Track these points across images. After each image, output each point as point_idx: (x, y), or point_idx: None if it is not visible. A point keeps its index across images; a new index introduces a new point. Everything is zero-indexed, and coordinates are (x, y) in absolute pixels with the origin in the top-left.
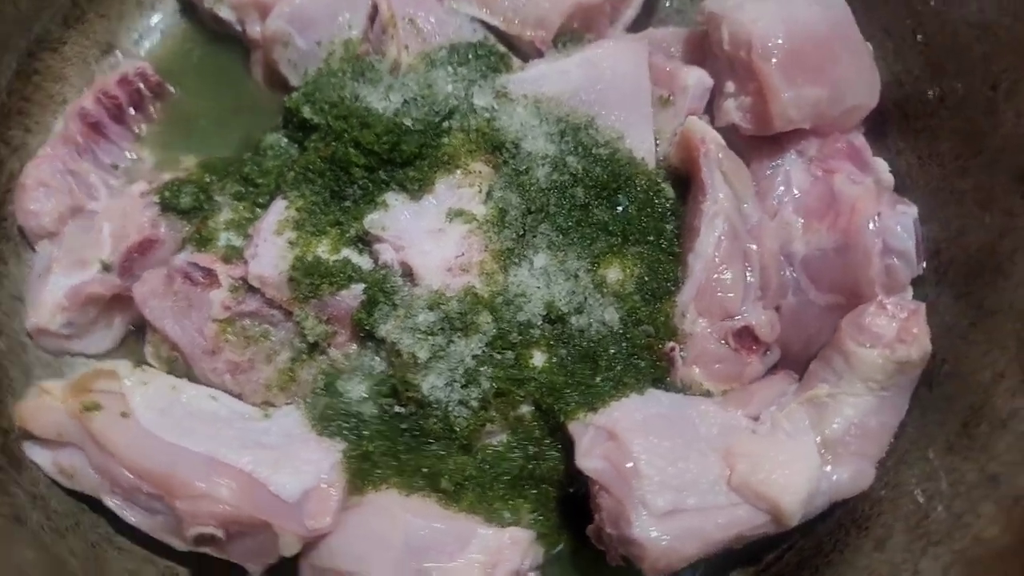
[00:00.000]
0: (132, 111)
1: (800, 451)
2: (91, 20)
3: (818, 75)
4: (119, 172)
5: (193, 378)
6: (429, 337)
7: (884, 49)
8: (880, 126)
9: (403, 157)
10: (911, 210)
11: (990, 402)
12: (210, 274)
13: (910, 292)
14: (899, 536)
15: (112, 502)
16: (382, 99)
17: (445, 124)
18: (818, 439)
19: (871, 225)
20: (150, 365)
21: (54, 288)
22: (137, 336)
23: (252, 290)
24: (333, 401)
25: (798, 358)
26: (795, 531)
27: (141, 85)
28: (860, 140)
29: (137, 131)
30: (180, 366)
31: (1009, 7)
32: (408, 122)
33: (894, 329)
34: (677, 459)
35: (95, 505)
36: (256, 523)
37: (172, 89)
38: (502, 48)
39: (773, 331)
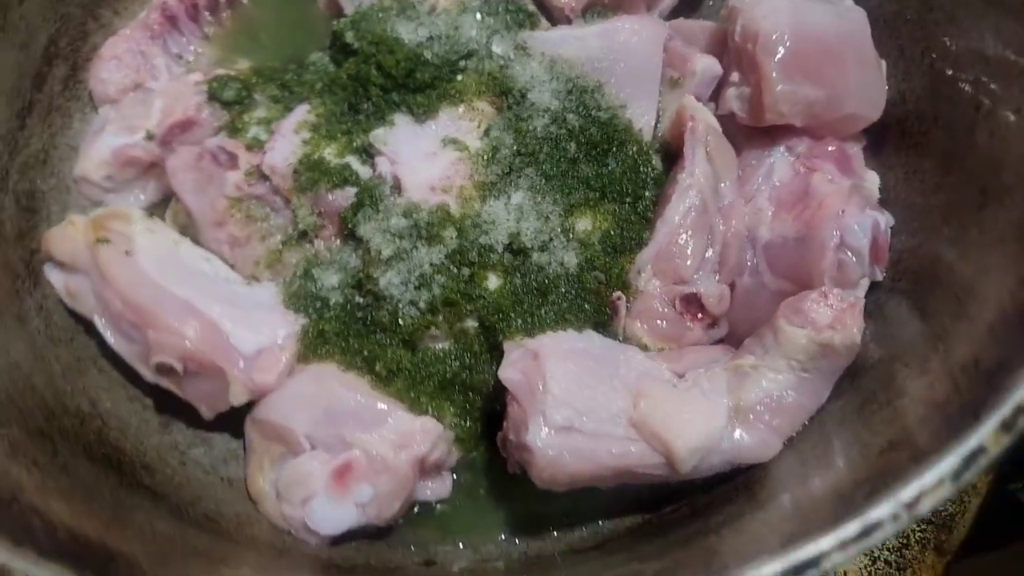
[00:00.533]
0: (206, 14)
1: (708, 407)
2: None
3: (818, 77)
4: (182, 62)
5: (198, 244)
6: (396, 239)
7: (896, 68)
8: (880, 141)
9: (415, 84)
10: (882, 217)
11: (887, 387)
12: (232, 158)
13: (861, 291)
14: (776, 507)
15: (101, 325)
16: (411, 33)
17: (461, 63)
18: (731, 403)
19: (834, 220)
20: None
21: (103, 145)
22: (164, 204)
23: (263, 177)
24: (307, 284)
25: (743, 339)
26: (696, 488)
27: None
28: (854, 150)
29: (206, 31)
30: (190, 233)
31: (1005, 38)
32: (427, 55)
33: (828, 316)
34: (587, 387)
35: (89, 330)
36: (211, 366)
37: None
38: (532, 7)
39: (721, 304)
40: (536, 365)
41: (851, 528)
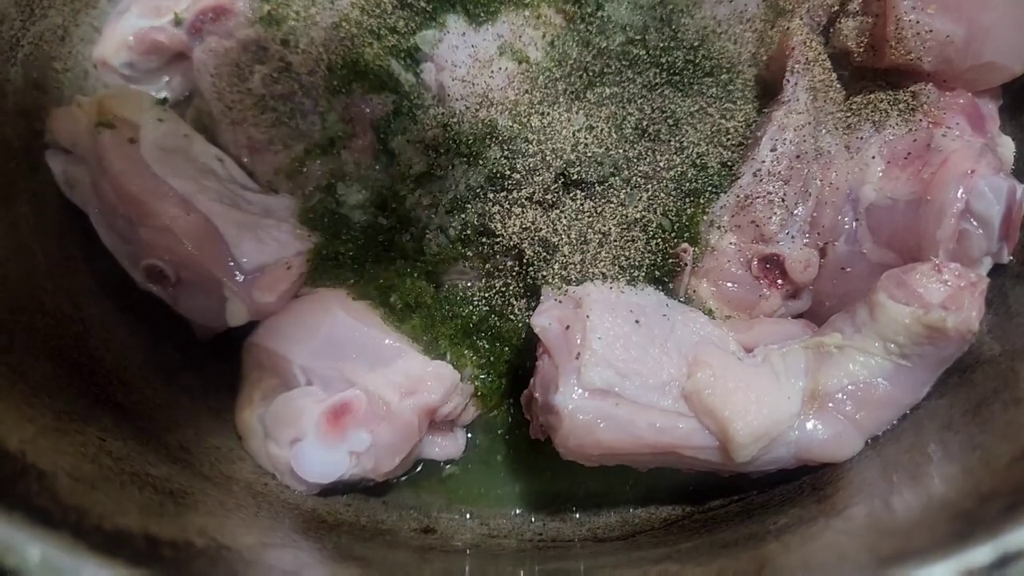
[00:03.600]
0: None
1: (779, 389)
2: None
3: (956, 11)
4: None
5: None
6: (431, 153)
7: None
8: (1020, 101)
9: None
10: (1020, 187)
11: (994, 404)
12: (263, 51)
13: (984, 271)
14: (857, 516)
15: (95, 218)
16: None
17: None
18: (807, 387)
19: (960, 180)
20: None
21: (126, 26)
22: (189, 103)
23: (294, 74)
24: (328, 200)
25: (828, 316)
26: (751, 484)
27: None
28: (989, 107)
29: None
30: (209, 135)
31: None
32: None
33: (941, 293)
34: (634, 346)
35: (88, 229)
36: (207, 275)
37: None
38: None
39: (806, 272)
40: (577, 315)
41: (981, 554)
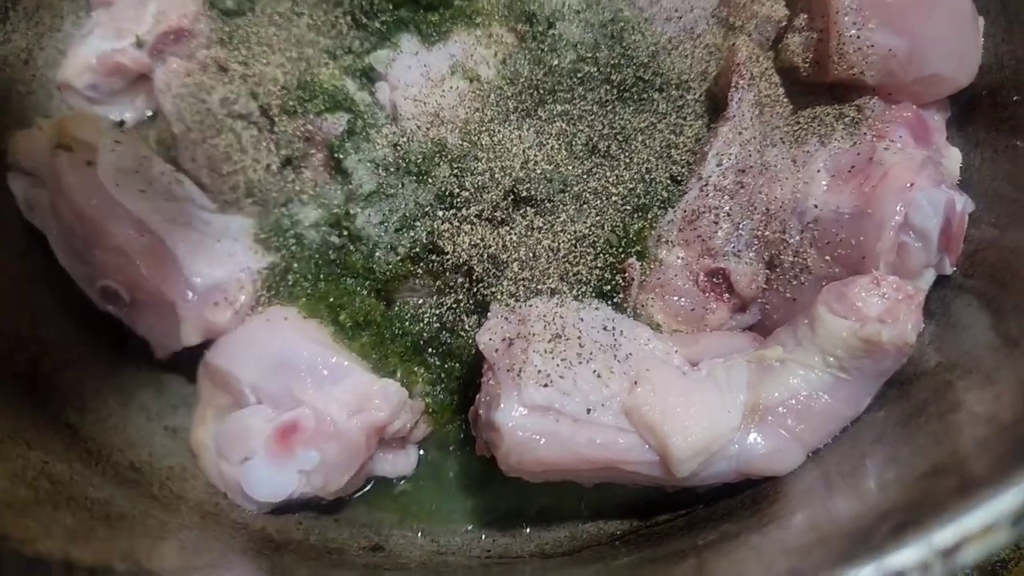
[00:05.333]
0: None
1: (720, 403)
2: None
3: (898, 24)
4: None
5: (177, 166)
6: (380, 172)
7: (996, 26)
8: (968, 112)
9: (427, 0)
10: (960, 198)
11: (939, 398)
12: (223, 72)
13: (924, 284)
14: (794, 527)
15: (52, 240)
16: None
17: None
18: (749, 400)
19: (899, 193)
20: (150, 148)
21: (89, 48)
22: (153, 123)
23: (253, 96)
24: (284, 218)
25: (776, 328)
26: (698, 498)
27: None
28: (935, 119)
29: None
30: (173, 154)
31: None
32: None
33: (879, 307)
34: (578, 362)
35: (45, 245)
36: (160, 298)
37: None
38: None
39: (753, 286)
40: (521, 332)
41: (865, 573)
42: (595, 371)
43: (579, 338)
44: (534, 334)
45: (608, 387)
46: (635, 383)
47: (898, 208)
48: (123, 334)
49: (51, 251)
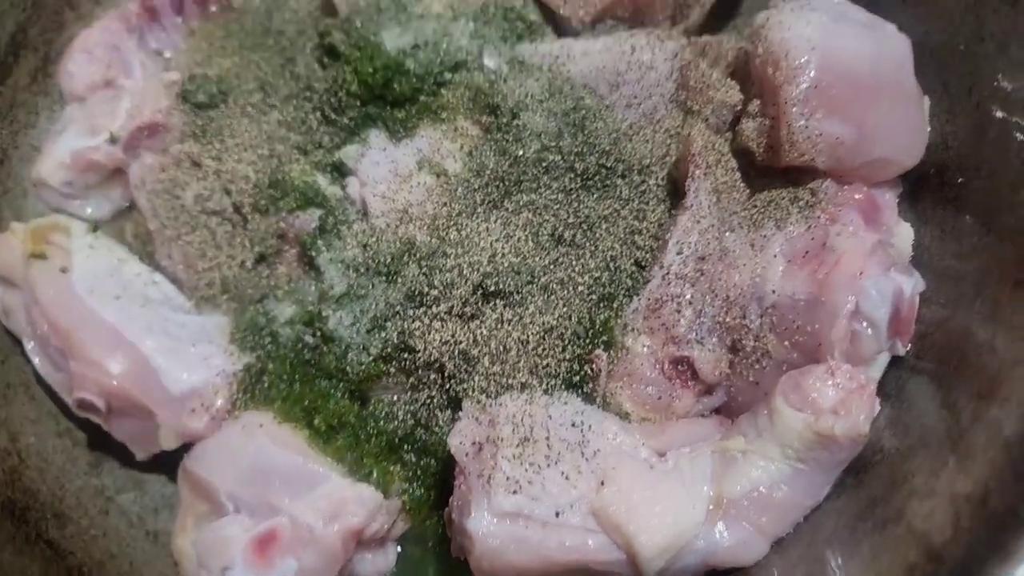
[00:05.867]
0: (193, 7)
1: (684, 498)
2: None
3: (844, 113)
4: (160, 59)
5: (153, 263)
6: (351, 272)
7: (939, 106)
8: (918, 189)
9: (394, 96)
10: (908, 281)
11: (888, 500)
12: (196, 167)
13: (878, 370)
14: None
15: (29, 348)
16: (394, 39)
17: (447, 75)
18: (713, 493)
19: (850, 282)
20: (126, 243)
21: (63, 146)
22: (130, 213)
23: (226, 192)
24: (260, 315)
25: (742, 410)
26: None
27: None
28: (886, 199)
29: (191, 25)
30: (149, 248)
31: None
32: (410, 64)
33: (832, 398)
34: (546, 464)
35: (22, 350)
36: (138, 406)
37: None
38: (534, 17)
39: (716, 371)
40: (491, 435)
41: None
42: (563, 472)
43: (547, 439)
44: (502, 439)
45: (576, 488)
46: (602, 482)
47: (849, 297)
48: (103, 435)
49: (27, 355)
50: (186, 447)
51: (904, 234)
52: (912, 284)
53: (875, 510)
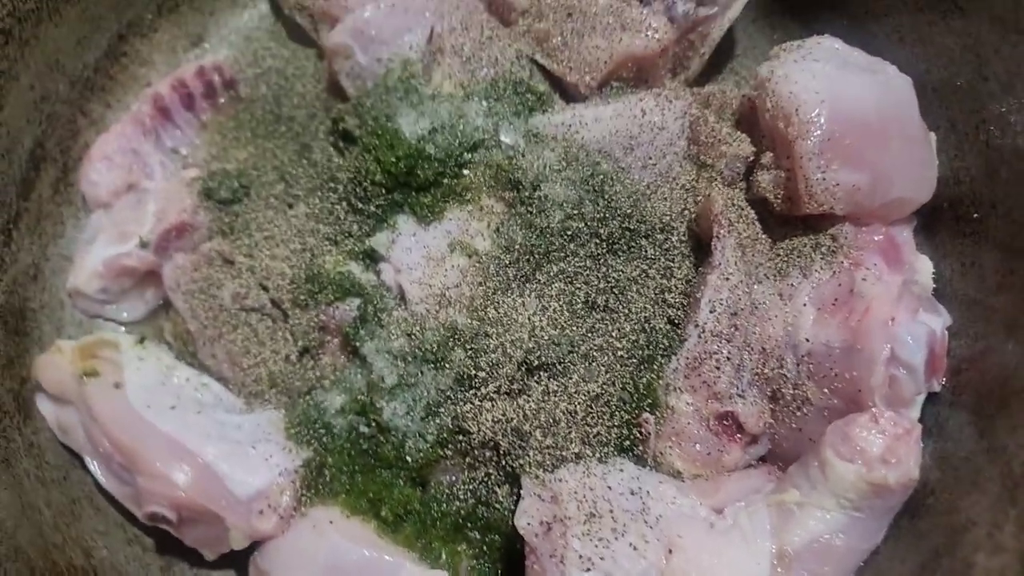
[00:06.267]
0: (203, 100)
1: (750, 557)
2: (184, 12)
3: (859, 160)
4: (177, 156)
5: (197, 361)
6: (399, 363)
7: (947, 142)
8: (933, 222)
9: (418, 182)
10: (937, 320)
11: (952, 551)
12: (230, 264)
13: (917, 409)
14: None
15: (92, 464)
16: (411, 124)
17: (467, 156)
18: (775, 548)
19: (883, 329)
20: (166, 341)
21: (95, 255)
22: (167, 311)
23: (262, 288)
24: (310, 407)
25: (788, 455)
26: None
27: (216, 78)
28: (904, 235)
29: (202, 119)
30: (190, 347)
31: None
32: (431, 149)
33: (880, 446)
34: (613, 538)
35: (85, 466)
36: (207, 513)
37: (243, 85)
38: (543, 88)
39: (760, 422)
40: (555, 512)
41: None
42: (631, 544)
43: (611, 512)
44: (569, 517)
45: (645, 558)
46: (669, 551)
47: (884, 345)
48: (170, 538)
49: (87, 470)
50: (254, 543)
51: (924, 268)
52: (941, 323)
53: (940, 561)
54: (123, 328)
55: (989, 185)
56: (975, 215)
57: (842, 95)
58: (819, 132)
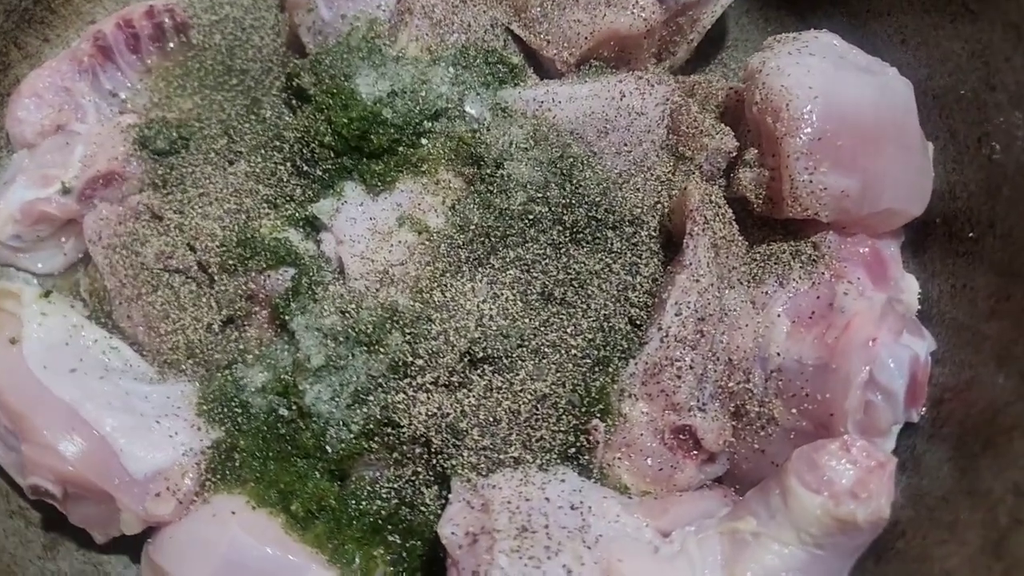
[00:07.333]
0: (150, 43)
1: None
2: None
3: (850, 164)
4: (116, 100)
5: (111, 323)
6: (329, 342)
7: (945, 153)
8: (922, 239)
9: (371, 148)
10: (921, 344)
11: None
12: (157, 220)
13: (891, 440)
14: None
15: None
16: (370, 86)
17: (427, 125)
18: None
19: (862, 349)
20: (81, 298)
21: (12, 198)
22: (85, 266)
23: (190, 248)
24: (228, 383)
25: (747, 479)
26: None
27: (167, 20)
28: (891, 250)
29: (148, 63)
30: (105, 305)
31: None
32: (388, 113)
33: (851, 477)
34: (546, 557)
35: None
36: (97, 491)
37: (196, 32)
38: (516, 60)
39: (720, 440)
40: (483, 522)
41: None
42: (564, 566)
43: (546, 528)
44: (499, 529)
45: None
46: (609, 574)
47: (862, 367)
48: (58, 514)
49: None
50: (149, 527)
51: (910, 287)
52: (926, 347)
53: None
54: (35, 280)
55: (988, 202)
56: (970, 234)
57: (837, 93)
58: (809, 130)
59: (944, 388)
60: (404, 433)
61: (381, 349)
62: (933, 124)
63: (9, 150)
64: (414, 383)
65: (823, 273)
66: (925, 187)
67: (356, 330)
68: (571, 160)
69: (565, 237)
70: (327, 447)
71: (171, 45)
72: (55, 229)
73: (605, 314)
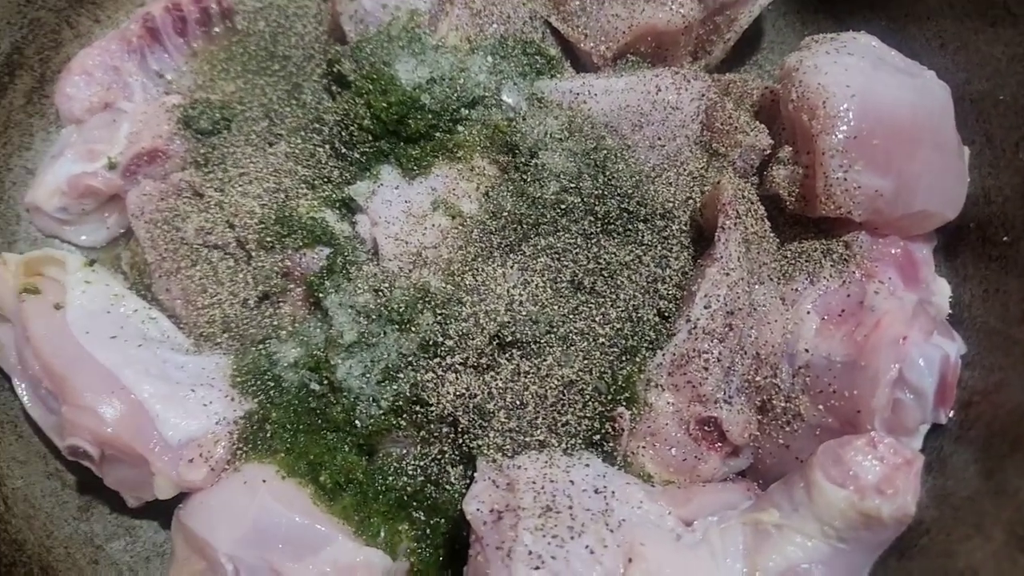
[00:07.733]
0: (196, 27)
1: (715, 574)
2: None
3: (885, 165)
4: (162, 81)
5: (151, 295)
6: (362, 319)
7: (981, 158)
8: (956, 243)
9: (408, 133)
10: (952, 346)
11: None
12: (198, 198)
13: (918, 440)
14: None
15: (20, 387)
16: (409, 72)
17: (464, 112)
18: (745, 571)
19: (893, 347)
20: (122, 271)
21: (59, 171)
22: (127, 240)
23: (229, 225)
24: (262, 357)
25: (770, 473)
26: None
27: (213, 5)
28: (923, 253)
29: (194, 46)
30: (145, 279)
31: None
32: (426, 99)
33: (877, 473)
34: (569, 537)
35: (11, 385)
36: (132, 454)
37: (241, 18)
38: (553, 52)
39: (745, 433)
40: (510, 501)
41: None
42: (587, 546)
43: (570, 509)
44: (524, 508)
45: (601, 564)
46: (629, 559)
47: (892, 364)
48: (93, 477)
49: (15, 393)
50: (180, 494)
51: (941, 290)
52: (956, 350)
53: None
54: (79, 252)
55: (1023, 208)
56: (1004, 238)
57: (875, 93)
58: (845, 128)
59: (973, 391)
60: (432, 412)
61: (412, 328)
62: (970, 128)
63: (58, 125)
64: (443, 363)
65: (854, 272)
66: (960, 191)
67: (388, 309)
68: (605, 152)
69: (596, 228)
70: (356, 421)
71: (216, 30)
72: (99, 203)
73: (634, 305)
